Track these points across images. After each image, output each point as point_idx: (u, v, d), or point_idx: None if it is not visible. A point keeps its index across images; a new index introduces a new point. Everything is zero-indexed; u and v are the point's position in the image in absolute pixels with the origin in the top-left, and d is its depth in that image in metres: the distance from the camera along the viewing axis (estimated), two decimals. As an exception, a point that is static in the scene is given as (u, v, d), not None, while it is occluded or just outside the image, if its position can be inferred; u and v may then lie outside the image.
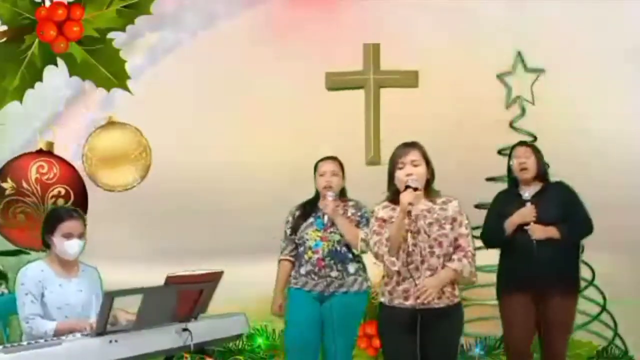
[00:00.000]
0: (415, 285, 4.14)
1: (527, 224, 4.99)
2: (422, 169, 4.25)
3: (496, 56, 6.55)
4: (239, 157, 6.50)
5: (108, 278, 4.54)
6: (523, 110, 6.59)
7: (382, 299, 4.33)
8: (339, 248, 5.00)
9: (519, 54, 6.56)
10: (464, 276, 4.21)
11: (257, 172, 6.47)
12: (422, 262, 4.18)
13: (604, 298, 6.48)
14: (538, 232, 4.97)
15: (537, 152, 5.19)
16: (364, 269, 5.09)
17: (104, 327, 3.60)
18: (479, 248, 5.76)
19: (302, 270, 5.05)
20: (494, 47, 6.52)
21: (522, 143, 5.28)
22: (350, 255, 5.02)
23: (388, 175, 4.31)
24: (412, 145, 4.34)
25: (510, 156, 5.24)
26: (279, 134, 6.43)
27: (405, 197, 4.10)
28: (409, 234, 4.17)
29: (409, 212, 4.10)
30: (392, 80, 6.63)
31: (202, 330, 3.98)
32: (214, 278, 4.10)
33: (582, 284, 6.39)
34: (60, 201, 5.83)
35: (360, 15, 6.66)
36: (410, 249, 4.17)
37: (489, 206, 5.33)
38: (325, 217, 5.00)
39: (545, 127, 6.48)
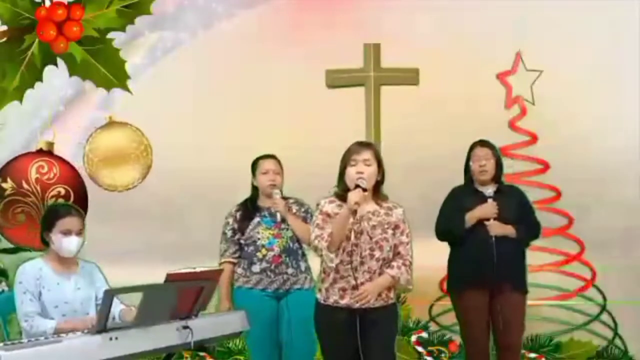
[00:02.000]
0: (356, 287, 4.17)
1: (487, 219, 5.06)
2: (373, 169, 4.27)
3: (496, 56, 6.55)
4: (239, 156, 6.48)
5: (107, 277, 4.53)
6: (523, 111, 6.59)
7: (317, 296, 4.36)
8: (292, 244, 5.04)
9: (519, 54, 6.56)
10: (401, 284, 4.28)
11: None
12: (362, 263, 4.21)
13: (604, 298, 6.48)
14: (497, 228, 5.07)
15: (496, 154, 5.27)
16: (310, 268, 5.12)
17: (104, 324, 3.59)
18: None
19: (255, 269, 5.03)
20: (494, 47, 6.52)
21: (482, 143, 5.29)
22: (301, 252, 5.08)
23: (339, 170, 4.33)
24: (367, 145, 4.42)
25: (469, 155, 5.28)
26: (279, 133, 6.42)
27: (353, 196, 4.12)
28: (352, 234, 4.18)
29: (355, 212, 4.12)
30: (392, 77, 6.63)
31: (202, 327, 3.97)
32: (214, 276, 4.10)
33: (582, 284, 6.45)
34: (61, 201, 5.83)
35: (360, 15, 6.66)
36: (350, 249, 4.20)
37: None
38: (278, 215, 5.03)
39: (545, 127, 6.49)
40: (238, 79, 6.57)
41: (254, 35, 6.66)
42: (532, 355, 6.39)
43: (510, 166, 5.97)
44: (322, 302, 4.31)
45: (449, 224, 5.20)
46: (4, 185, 5.82)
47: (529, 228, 5.22)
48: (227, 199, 5.40)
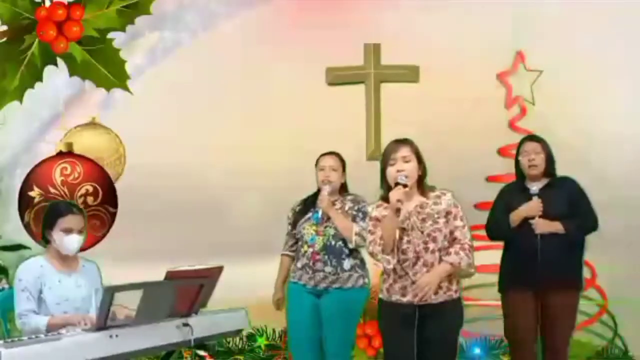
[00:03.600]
0: (413, 282, 4.14)
1: (533, 217, 4.99)
2: (412, 165, 4.23)
3: (496, 56, 6.56)
4: (239, 156, 6.51)
5: (107, 277, 4.53)
6: (523, 111, 6.60)
7: (380, 295, 4.34)
8: (334, 242, 5.01)
9: (519, 54, 6.57)
10: (462, 269, 4.19)
11: (258, 171, 6.47)
12: (417, 258, 4.17)
13: (604, 298, 6.48)
14: (542, 226, 4.94)
15: (546, 148, 5.13)
16: (362, 266, 5.09)
17: (105, 322, 3.59)
18: (479, 248, 5.82)
19: (299, 264, 5.09)
20: (494, 47, 6.52)
21: (531, 138, 5.20)
22: (346, 251, 5.03)
23: (380, 173, 4.30)
24: (404, 141, 4.33)
25: (518, 151, 5.19)
26: (279, 132, 6.43)
27: (395, 194, 4.09)
28: (403, 232, 4.16)
29: (398, 210, 4.10)
30: (392, 74, 6.65)
31: (202, 325, 3.98)
32: (214, 273, 4.10)
33: (582, 284, 6.44)
34: (90, 199, 5.82)
35: (360, 15, 6.67)
36: (404, 247, 4.17)
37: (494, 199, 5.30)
38: (321, 212, 5.02)
39: (545, 127, 6.49)
40: (238, 79, 6.59)
41: (254, 35, 6.68)
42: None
43: (510, 166, 5.96)
44: (384, 299, 4.28)
45: (496, 224, 5.13)
46: (32, 193, 5.80)
47: (580, 221, 5.01)
48: (227, 198, 5.41)
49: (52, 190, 5.79)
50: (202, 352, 5.89)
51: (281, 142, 6.49)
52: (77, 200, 5.74)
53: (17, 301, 4.13)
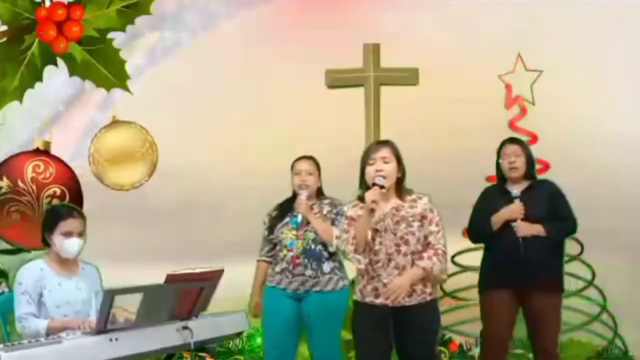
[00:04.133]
0: (384, 285, 4.16)
1: (514, 220, 5.01)
2: (392, 166, 4.26)
3: (496, 56, 6.55)
4: (239, 156, 6.51)
5: (107, 277, 4.54)
6: (523, 111, 6.59)
7: (355, 297, 4.36)
8: (313, 246, 5.02)
9: (519, 54, 6.56)
10: (435, 274, 4.22)
11: (257, 171, 6.47)
12: (389, 260, 4.20)
13: (604, 298, 6.49)
14: (524, 229, 4.98)
15: (526, 150, 5.17)
16: (341, 268, 5.11)
17: (105, 325, 3.59)
18: (469, 250, 5.83)
19: (277, 268, 5.08)
20: (494, 47, 6.52)
21: (512, 140, 5.24)
22: (325, 254, 5.04)
23: (360, 172, 4.33)
24: (385, 142, 4.40)
25: (499, 153, 5.22)
26: (279, 133, 6.43)
27: (370, 195, 4.12)
28: (375, 232, 4.18)
29: (373, 210, 4.12)
30: (392, 77, 6.64)
31: (202, 328, 3.97)
32: (214, 276, 4.09)
33: (582, 284, 6.44)
34: (55, 201, 5.81)
35: (360, 15, 6.67)
36: (376, 248, 4.20)
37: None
38: (300, 216, 5.02)
39: (545, 127, 6.49)
40: (238, 79, 6.59)
41: (254, 35, 6.68)
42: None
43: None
44: (358, 300, 4.30)
45: (477, 226, 5.16)
46: (0, 183, 5.81)
47: (561, 224, 5.07)
48: (226, 198, 5.41)
49: (20, 184, 5.79)
50: (202, 354, 5.91)
51: (281, 143, 6.49)
52: (42, 200, 5.74)
53: (17, 304, 4.14)
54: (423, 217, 4.24)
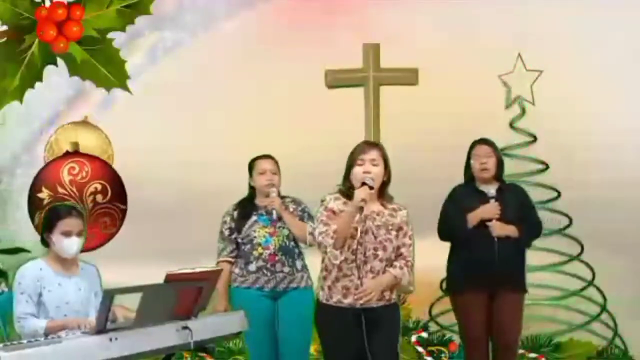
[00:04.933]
0: (361, 284, 4.17)
1: (489, 220, 5.03)
2: (379, 169, 4.28)
3: (496, 56, 6.54)
4: (239, 156, 6.49)
5: (107, 277, 4.54)
6: (523, 110, 6.59)
7: (320, 296, 4.34)
8: (288, 243, 5.05)
9: (519, 54, 6.55)
10: (403, 284, 4.28)
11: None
12: (365, 262, 4.21)
13: (604, 298, 6.48)
14: (499, 229, 5.04)
15: (497, 152, 5.22)
16: (306, 266, 5.14)
17: (104, 325, 3.59)
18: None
19: (252, 267, 5.05)
20: (494, 47, 6.51)
21: (482, 141, 5.26)
22: (297, 251, 5.09)
23: (345, 169, 4.33)
24: (374, 144, 4.44)
25: (470, 154, 5.25)
26: (278, 132, 6.43)
27: (360, 193, 4.13)
28: (358, 232, 4.19)
29: (361, 209, 4.13)
30: (392, 77, 6.64)
31: (202, 328, 3.96)
32: (213, 276, 4.10)
33: (582, 284, 6.45)
34: (99, 197, 5.85)
35: (360, 15, 6.66)
36: (355, 247, 4.20)
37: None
38: (274, 213, 5.02)
39: (545, 127, 6.48)
40: (238, 79, 6.58)
41: (253, 35, 6.67)
42: (532, 355, 6.40)
43: (509, 167, 5.96)
44: (324, 301, 4.30)
45: (451, 224, 5.17)
46: (41, 195, 5.82)
47: (531, 227, 5.19)
48: (226, 197, 5.39)
49: (60, 190, 5.82)
50: (202, 353, 5.91)
51: (280, 142, 6.48)
52: (86, 199, 5.76)
53: (16, 304, 4.13)
54: (400, 228, 4.30)
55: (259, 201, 5.15)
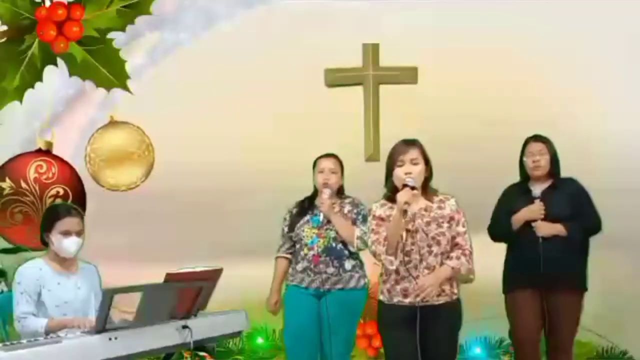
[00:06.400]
0: (416, 283, 4.15)
1: (534, 220, 4.98)
2: (420, 168, 4.26)
3: (496, 56, 6.54)
4: (239, 156, 6.51)
5: (106, 277, 4.54)
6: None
7: (380, 297, 4.34)
8: (334, 244, 5.02)
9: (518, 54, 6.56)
10: (462, 274, 4.25)
11: (257, 171, 6.47)
12: (421, 261, 4.20)
13: (604, 298, 6.47)
14: (544, 229, 4.98)
15: (551, 149, 5.15)
16: (362, 266, 5.12)
17: (104, 324, 3.59)
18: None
19: (299, 267, 5.08)
20: (494, 46, 6.51)
21: (536, 138, 5.20)
22: (346, 252, 5.05)
23: (386, 172, 4.32)
24: (413, 143, 4.35)
25: (523, 151, 5.19)
26: (278, 132, 6.43)
27: (403, 196, 4.11)
28: (407, 233, 4.17)
29: (405, 211, 4.11)
30: (391, 76, 6.64)
31: (202, 327, 3.98)
32: (213, 275, 4.11)
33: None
34: (59, 201, 5.81)
35: (359, 15, 6.67)
36: (408, 248, 4.19)
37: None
38: (321, 215, 5.01)
39: (545, 128, 6.47)
40: (238, 79, 6.58)
41: (253, 35, 6.67)
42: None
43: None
44: (385, 302, 4.31)
45: (497, 226, 5.16)
46: (3, 184, 5.80)
47: (584, 222, 5.07)
48: (227, 198, 5.41)
49: (23, 184, 5.79)
50: (202, 353, 5.91)
51: (280, 142, 6.49)
52: (45, 200, 5.75)
53: (16, 304, 4.14)
54: (451, 218, 4.27)
55: (317, 201, 5.15)
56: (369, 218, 4.39)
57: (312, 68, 6.59)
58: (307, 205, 5.17)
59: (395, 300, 4.26)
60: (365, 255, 5.02)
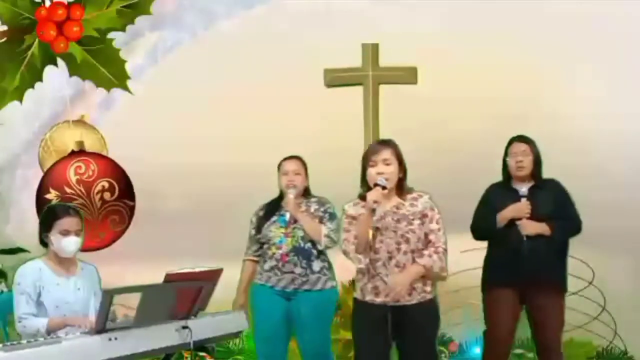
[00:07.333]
0: (385, 283, 4.17)
1: (519, 218, 5.00)
2: (393, 168, 4.28)
3: (495, 55, 6.55)
4: (238, 155, 6.52)
5: (106, 278, 4.54)
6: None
7: (355, 295, 4.37)
8: (303, 244, 5.05)
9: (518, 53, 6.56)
10: (435, 272, 4.23)
11: (256, 171, 6.46)
12: (390, 258, 4.22)
13: (604, 298, 6.48)
14: (529, 227, 4.99)
15: (534, 149, 5.15)
16: (330, 268, 5.15)
17: (104, 324, 3.59)
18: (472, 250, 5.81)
19: (266, 266, 5.10)
20: (494, 46, 6.51)
21: (520, 139, 5.20)
22: (315, 252, 5.08)
23: (361, 173, 4.34)
24: (386, 143, 4.39)
25: (506, 151, 5.20)
26: (278, 132, 6.44)
27: (372, 195, 4.14)
28: (376, 231, 4.19)
29: (374, 210, 4.12)
30: (390, 76, 6.64)
31: (201, 327, 3.97)
32: (213, 276, 4.10)
33: (582, 284, 6.43)
34: (107, 195, 5.82)
35: (359, 15, 6.67)
36: (377, 246, 4.21)
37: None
38: (288, 215, 5.05)
39: (545, 128, 6.47)
40: (237, 78, 6.59)
41: (253, 35, 6.67)
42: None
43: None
44: (358, 299, 4.33)
45: (481, 223, 5.15)
46: (49, 196, 5.80)
47: (566, 224, 5.08)
48: (227, 198, 5.41)
49: (68, 190, 5.81)
50: (202, 353, 5.90)
51: (280, 142, 6.49)
52: (94, 197, 5.76)
53: (17, 304, 4.13)
54: (424, 216, 4.27)
55: (284, 202, 5.17)
56: (342, 217, 4.40)
57: (312, 68, 6.59)
58: (273, 207, 5.20)
59: (367, 298, 4.27)
60: (333, 258, 5.06)
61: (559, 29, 6.53)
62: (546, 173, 6.20)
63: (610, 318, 6.50)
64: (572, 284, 6.40)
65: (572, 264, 6.37)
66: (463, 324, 6.45)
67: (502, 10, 6.51)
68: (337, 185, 5.01)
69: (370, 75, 6.65)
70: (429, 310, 4.30)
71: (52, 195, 5.77)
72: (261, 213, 5.24)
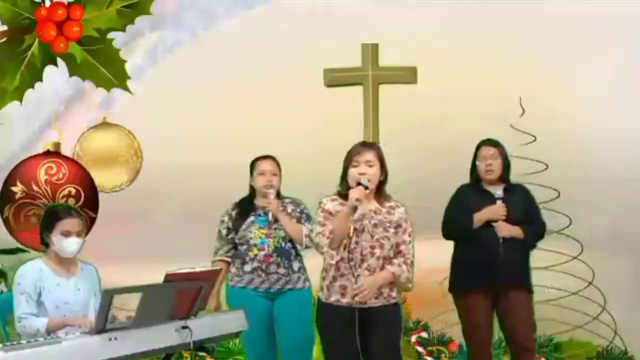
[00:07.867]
0: (355, 282, 4.19)
1: (495, 221, 5.02)
2: (375, 170, 4.31)
3: (495, 55, 6.55)
4: (239, 156, 6.50)
5: (106, 278, 4.54)
6: (523, 110, 6.59)
7: (320, 295, 4.37)
8: (284, 244, 5.06)
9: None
10: (402, 281, 4.29)
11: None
12: (362, 261, 4.24)
13: (604, 298, 6.48)
14: (505, 230, 5.04)
15: (503, 153, 5.19)
16: (305, 269, 5.16)
17: (104, 325, 3.59)
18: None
19: (247, 268, 5.07)
20: (493, 46, 6.51)
21: (488, 142, 5.22)
22: (294, 252, 5.10)
23: (342, 171, 4.36)
24: (370, 145, 4.46)
25: (475, 154, 5.22)
26: (278, 132, 6.44)
27: (355, 193, 4.16)
28: (353, 231, 4.20)
29: (355, 208, 4.15)
30: (390, 76, 6.65)
31: (201, 327, 3.96)
32: (213, 275, 4.11)
33: (582, 284, 6.45)
34: (71, 201, 5.79)
35: (359, 15, 6.67)
36: (352, 246, 4.22)
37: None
38: (270, 215, 5.04)
39: (545, 128, 6.48)
40: (237, 78, 6.59)
41: (253, 35, 6.67)
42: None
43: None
44: (323, 300, 4.33)
45: (456, 223, 5.16)
46: (14, 188, 5.79)
47: (537, 228, 5.17)
48: (227, 198, 5.39)
49: (35, 187, 5.78)
50: (202, 353, 5.91)
51: (280, 142, 6.49)
52: (58, 201, 5.74)
53: (17, 304, 4.14)
54: (398, 226, 4.32)
55: (258, 202, 5.17)
56: (318, 210, 4.41)
57: (312, 68, 6.60)
58: (247, 207, 5.17)
59: (332, 298, 4.27)
60: (307, 258, 5.07)
61: (559, 29, 6.53)
62: (546, 172, 6.24)
63: (610, 318, 6.50)
64: (572, 284, 6.45)
65: (572, 264, 6.42)
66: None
67: (502, 10, 6.51)
68: (336, 185, 5.00)
69: (370, 75, 6.65)
70: (393, 313, 4.34)
71: (17, 189, 5.76)
72: (234, 213, 5.19)
